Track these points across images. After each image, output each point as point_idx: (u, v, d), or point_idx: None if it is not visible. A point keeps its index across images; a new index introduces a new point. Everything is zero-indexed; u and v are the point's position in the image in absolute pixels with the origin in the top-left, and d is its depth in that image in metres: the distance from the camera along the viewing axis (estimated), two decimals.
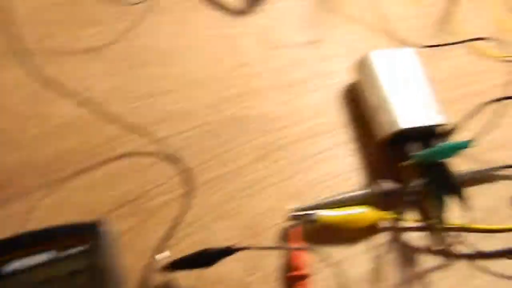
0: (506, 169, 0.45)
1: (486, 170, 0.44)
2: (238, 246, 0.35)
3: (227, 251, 0.35)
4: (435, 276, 0.38)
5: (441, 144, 0.38)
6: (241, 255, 0.36)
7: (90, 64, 0.44)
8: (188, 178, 0.39)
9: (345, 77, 0.48)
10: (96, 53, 0.44)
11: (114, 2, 0.46)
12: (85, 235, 0.32)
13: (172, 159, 0.40)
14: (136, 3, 0.46)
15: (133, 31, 0.46)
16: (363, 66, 0.45)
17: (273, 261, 0.37)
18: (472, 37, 0.53)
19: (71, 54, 0.44)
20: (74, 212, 0.37)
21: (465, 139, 0.36)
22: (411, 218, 0.40)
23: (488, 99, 0.46)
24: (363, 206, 0.39)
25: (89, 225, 0.33)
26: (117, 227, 0.36)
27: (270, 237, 0.38)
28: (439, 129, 0.43)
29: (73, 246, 0.31)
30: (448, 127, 0.42)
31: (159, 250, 0.36)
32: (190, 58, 0.45)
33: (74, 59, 0.44)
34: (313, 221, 0.38)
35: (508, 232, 0.42)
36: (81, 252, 0.31)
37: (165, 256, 0.36)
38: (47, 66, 0.43)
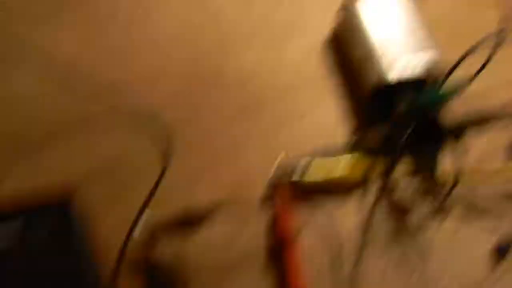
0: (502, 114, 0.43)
1: (482, 113, 0.42)
2: (222, 204, 0.34)
3: (212, 209, 0.34)
4: (428, 226, 0.37)
5: (430, 92, 0.36)
6: (226, 215, 0.35)
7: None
8: (169, 136, 0.37)
9: (326, 28, 0.44)
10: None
11: None
12: (53, 216, 0.31)
13: (152, 117, 0.37)
14: None
15: None
16: (346, 15, 0.42)
17: (260, 219, 0.36)
18: None
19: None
20: (48, 179, 0.35)
21: (455, 85, 0.34)
22: (403, 167, 0.38)
23: (482, 37, 0.44)
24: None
25: (57, 207, 0.32)
26: (94, 194, 0.34)
27: (256, 194, 0.36)
28: (430, 78, 0.40)
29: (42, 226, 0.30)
30: (439, 76, 0.40)
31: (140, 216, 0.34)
32: (157, 17, 0.42)
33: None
34: (304, 173, 0.36)
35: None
36: (49, 234, 0.30)
37: (149, 215, 0.34)
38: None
